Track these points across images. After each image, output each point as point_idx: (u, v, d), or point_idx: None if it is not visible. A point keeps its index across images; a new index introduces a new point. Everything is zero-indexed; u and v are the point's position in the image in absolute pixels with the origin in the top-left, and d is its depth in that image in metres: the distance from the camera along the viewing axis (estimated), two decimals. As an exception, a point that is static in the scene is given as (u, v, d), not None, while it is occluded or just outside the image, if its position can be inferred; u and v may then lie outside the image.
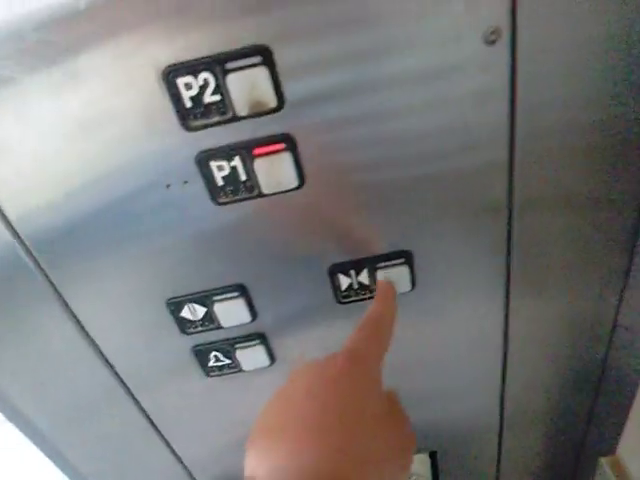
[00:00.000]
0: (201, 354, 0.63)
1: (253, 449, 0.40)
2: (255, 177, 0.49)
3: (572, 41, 0.45)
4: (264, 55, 0.43)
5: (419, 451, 0.81)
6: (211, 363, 0.64)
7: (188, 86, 0.44)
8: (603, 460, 0.58)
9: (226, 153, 0.48)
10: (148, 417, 0.70)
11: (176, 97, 0.45)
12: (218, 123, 0.46)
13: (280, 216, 0.53)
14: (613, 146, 0.51)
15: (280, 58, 0.44)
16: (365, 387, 0.43)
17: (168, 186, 0.50)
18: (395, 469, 0.40)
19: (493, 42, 0.44)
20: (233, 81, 0.44)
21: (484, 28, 0.44)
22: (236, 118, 0.46)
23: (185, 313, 0.59)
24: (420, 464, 0.82)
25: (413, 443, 0.43)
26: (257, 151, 0.48)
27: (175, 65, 0.43)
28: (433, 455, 0.81)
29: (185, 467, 0.78)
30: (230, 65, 0.43)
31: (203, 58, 0.43)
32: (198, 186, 0.50)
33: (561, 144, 0.50)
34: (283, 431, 0.39)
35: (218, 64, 0.43)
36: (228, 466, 0.79)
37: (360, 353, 0.46)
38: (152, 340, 0.62)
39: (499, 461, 0.82)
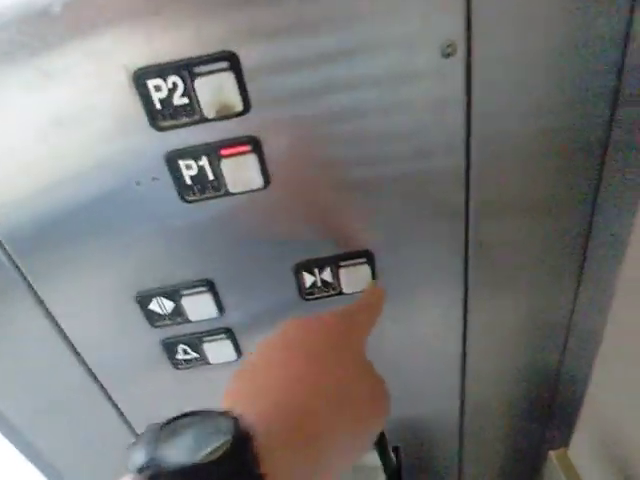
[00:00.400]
0: (169, 347, 0.65)
1: (235, 383, 0.42)
2: (222, 177, 0.51)
3: (524, 54, 0.48)
4: (231, 60, 0.45)
5: (383, 446, 0.84)
6: (179, 356, 0.66)
7: (158, 88, 0.46)
8: (552, 453, 0.61)
9: (194, 153, 0.50)
10: (119, 410, 0.72)
11: (146, 98, 0.46)
12: (187, 124, 0.48)
13: (246, 215, 0.55)
14: (565, 152, 0.54)
15: (246, 63, 0.46)
16: (347, 343, 0.45)
17: (138, 183, 0.52)
18: (362, 427, 0.41)
19: (449, 55, 0.47)
20: (201, 85, 0.46)
21: (441, 42, 0.46)
22: (204, 120, 0.48)
23: (154, 307, 0.60)
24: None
25: (385, 407, 0.45)
26: (224, 152, 0.50)
27: (145, 68, 0.45)
28: (396, 450, 0.83)
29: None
30: (198, 69, 0.45)
31: (172, 62, 0.45)
32: (167, 184, 0.52)
33: (515, 150, 0.53)
34: (264, 369, 0.41)
35: (187, 68, 0.45)
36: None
37: (348, 317, 0.49)
38: (122, 333, 0.63)
39: (460, 456, 0.85)
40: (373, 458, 0.83)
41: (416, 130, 0.51)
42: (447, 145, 0.52)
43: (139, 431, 0.75)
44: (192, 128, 0.48)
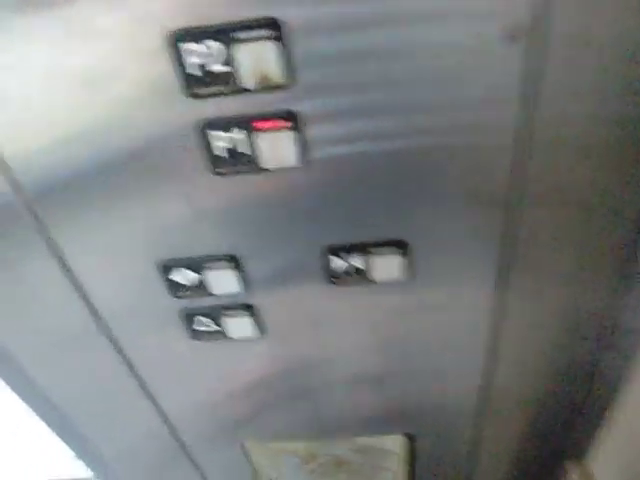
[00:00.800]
0: (188, 317, 0.63)
1: None
2: (256, 151, 0.48)
3: (596, 42, 0.43)
4: (275, 29, 0.41)
5: (396, 432, 0.82)
6: (198, 327, 0.64)
7: (194, 53, 0.42)
8: (570, 463, 0.58)
9: (228, 124, 0.46)
10: (130, 365, 0.70)
11: (181, 63, 0.43)
12: (222, 93, 0.45)
13: (278, 192, 0.51)
14: (626, 144, 0.49)
15: (292, 33, 0.42)
16: None
17: (167, 150, 0.49)
18: None
19: (515, 38, 0.42)
20: (241, 52, 0.42)
21: (508, 23, 0.42)
22: (241, 90, 0.44)
23: (176, 276, 0.58)
24: (398, 445, 0.83)
25: None
26: (260, 125, 0.46)
27: (182, 30, 0.42)
28: (410, 438, 0.82)
29: (165, 417, 0.79)
30: (239, 36, 0.41)
31: (212, 26, 0.41)
32: (198, 154, 0.49)
33: (575, 137, 0.48)
34: None
35: (227, 33, 0.41)
36: (207, 422, 0.80)
37: None
38: (141, 297, 0.62)
39: (475, 451, 0.83)
40: (381, 441, 0.82)
41: (470, 102, 0.46)
42: (499, 125, 0.47)
43: (151, 389, 0.74)
44: (228, 98, 0.45)
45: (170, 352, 0.68)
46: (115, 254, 0.58)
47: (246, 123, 0.46)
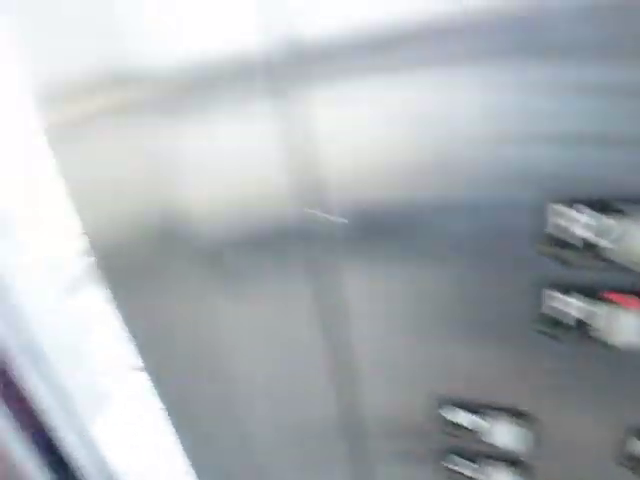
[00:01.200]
0: (443, 453, 0.58)
1: None
2: (601, 325, 0.43)
3: None
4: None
5: None
6: (449, 465, 0.59)
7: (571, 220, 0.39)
8: None
9: (574, 289, 0.42)
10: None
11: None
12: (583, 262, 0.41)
13: (601, 363, 0.46)
14: None
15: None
16: None
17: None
18: None
19: None
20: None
21: None
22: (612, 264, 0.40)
23: (449, 414, 0.54)
24: None
25: None
26: (619, 300, 0.41)
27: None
28: None
29: None
30: (621, 209, 0.37)
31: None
32: (526, 310, 0.45)
33: None
34: None
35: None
36: None
37: None
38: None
39: None
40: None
41: None
42: None
43: None
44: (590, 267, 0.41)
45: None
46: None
47: (600, 293, 0.41)
